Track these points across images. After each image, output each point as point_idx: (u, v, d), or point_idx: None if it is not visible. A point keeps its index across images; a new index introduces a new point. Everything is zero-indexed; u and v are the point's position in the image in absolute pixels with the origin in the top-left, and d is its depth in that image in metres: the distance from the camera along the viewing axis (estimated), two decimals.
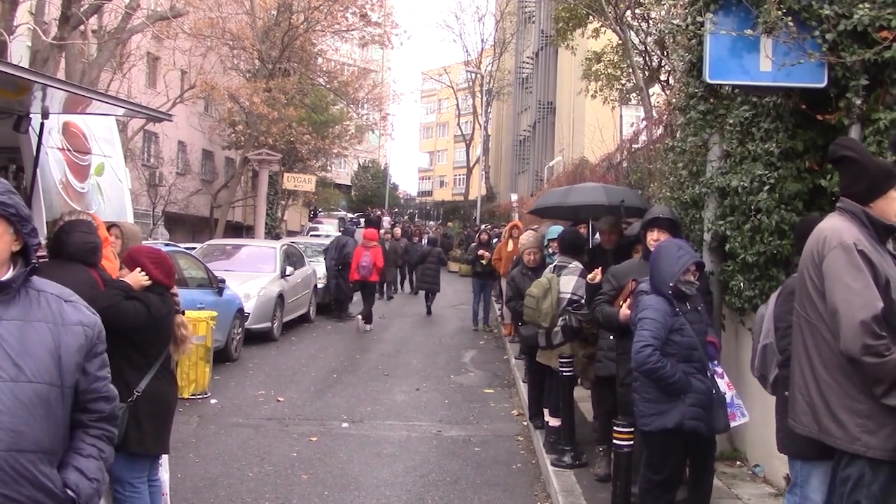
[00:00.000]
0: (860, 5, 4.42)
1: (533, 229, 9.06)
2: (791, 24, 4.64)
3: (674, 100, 8.05)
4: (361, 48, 35.09)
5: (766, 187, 5.28)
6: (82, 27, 13.17)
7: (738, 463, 6.04)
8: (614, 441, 4.63)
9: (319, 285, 15.76)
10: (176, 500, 5.30)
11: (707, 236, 6.06)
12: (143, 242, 5.64)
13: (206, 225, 28.19)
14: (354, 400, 8.83)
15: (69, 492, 2.19)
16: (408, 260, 20.99)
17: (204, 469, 6.21)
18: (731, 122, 5.83)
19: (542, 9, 30.40)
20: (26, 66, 10.33)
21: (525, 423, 7.89)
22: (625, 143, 12.31)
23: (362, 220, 35.32)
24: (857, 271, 3.02)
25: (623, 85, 14.32)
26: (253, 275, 12.63)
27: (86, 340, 2.23)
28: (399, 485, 6.07)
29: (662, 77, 12.62)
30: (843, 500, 3.09)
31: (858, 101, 4.52)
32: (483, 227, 23.62)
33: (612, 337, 5.36)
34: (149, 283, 4.08)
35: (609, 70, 14.28)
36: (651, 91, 12.65)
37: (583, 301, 6.02)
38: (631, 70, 12.98)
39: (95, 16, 15.25)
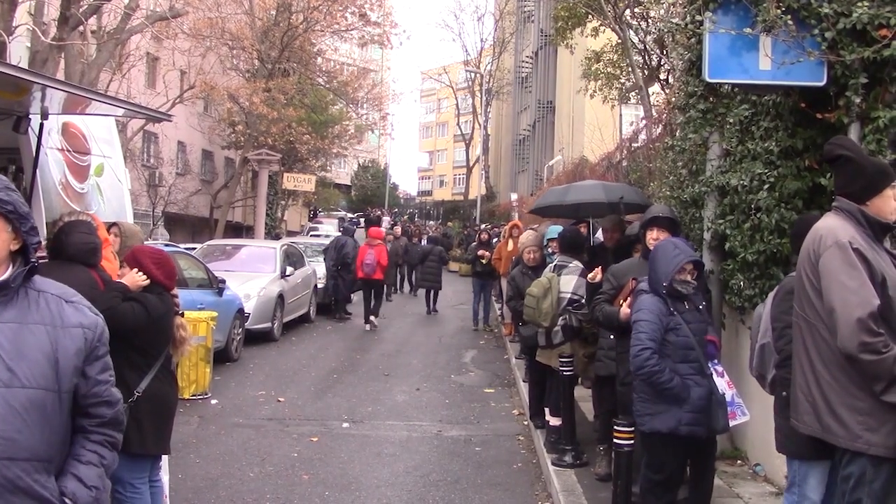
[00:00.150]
0: (859, 3, 4.41)
1: (533, 229, 9.06)
2: (790, 22, 4.64)
3: (673, 99, 8.04)
4: (361, 48, 35.05)
5: (766, 186, 5.27)
6: (81, 28, 13.16)
7: (739, 462, 6.04)
8: (615, 440, 4.63)
9: (319, 285, 15.75)
10: (176, 500, 5.31)
11: (707, 235, 6.07)
12: (144, 243, 5.63)
13: (205, 225, 28.19)
14: (355, 400, 8.83)
15: (66, 501, 2.10)
16: (408, 260, 20.94)
17: (204, 469, 6.21)
18: (730, 120, 5.83)
19: (542, 8, 30.37)
20: (25, 66, 10.32)
21: (525, 423, 7.90)
22: (624, 142, 12.32)
23: (362, 220, 35.28)
24: (852, 269, 3.03)
25: (622, 84, 14.30)
26: (253, 275, 12.63)
27: (85, 343, 2.15)
28: (400, 485, 6.07)
29: (662, 76, 12.61)
30: (845, 498, 3.10)
31: (858, 100, 4.52)
32: (483, 226, 23.64)
33: (612, 336, 5.36)
34: (146, 283, 4.06)
35: (608, 69, 14.26)
36: (650, 90, 12.64)
37: (583, 300, 6.01)
38: (630, 69, 12.97)
39: (94, 16, 15.26)
